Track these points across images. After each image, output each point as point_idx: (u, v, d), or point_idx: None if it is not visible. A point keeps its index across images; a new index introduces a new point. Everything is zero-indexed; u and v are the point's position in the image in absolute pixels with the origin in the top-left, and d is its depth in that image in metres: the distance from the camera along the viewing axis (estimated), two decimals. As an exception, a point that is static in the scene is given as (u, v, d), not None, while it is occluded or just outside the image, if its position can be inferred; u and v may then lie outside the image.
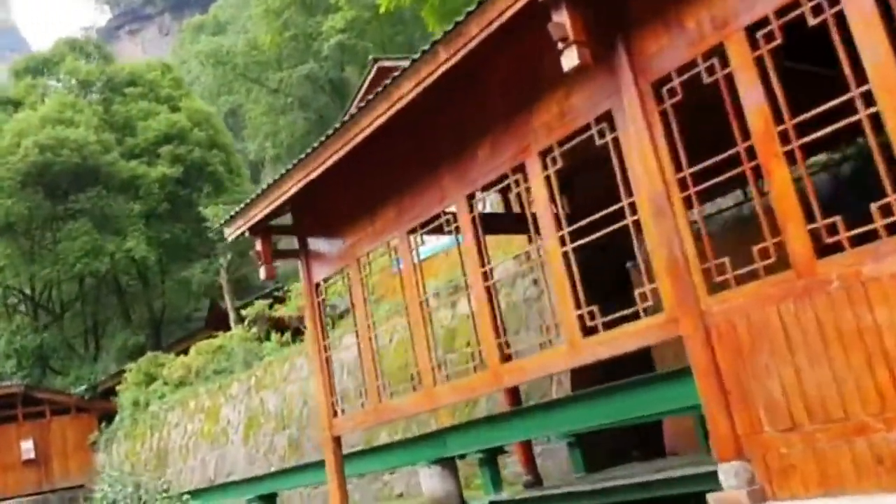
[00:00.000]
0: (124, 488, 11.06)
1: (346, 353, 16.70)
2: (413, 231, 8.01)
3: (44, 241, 27.26)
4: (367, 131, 7.36)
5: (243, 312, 21.50)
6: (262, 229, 9.77)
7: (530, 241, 7.27)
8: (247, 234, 9.79)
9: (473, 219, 7.20)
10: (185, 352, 25.35)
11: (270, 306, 21.32)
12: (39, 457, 26.78)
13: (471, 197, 7.30)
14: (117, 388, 26.23)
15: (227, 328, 31.52)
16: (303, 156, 8.30)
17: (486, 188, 7.26)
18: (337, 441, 9.41)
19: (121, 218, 26.88)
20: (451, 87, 6.83)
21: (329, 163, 7.97)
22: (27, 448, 26.53)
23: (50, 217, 26.67)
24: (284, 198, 8.83)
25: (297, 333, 20.43)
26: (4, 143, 25.37)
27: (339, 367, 16.93)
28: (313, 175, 8.28)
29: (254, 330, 21.99)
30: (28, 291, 30.01)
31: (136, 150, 28.31)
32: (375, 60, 21.95)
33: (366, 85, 22.45)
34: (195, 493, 11.62)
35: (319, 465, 10.07)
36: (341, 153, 7.79)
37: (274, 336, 20.48)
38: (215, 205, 27.48)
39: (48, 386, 27.69)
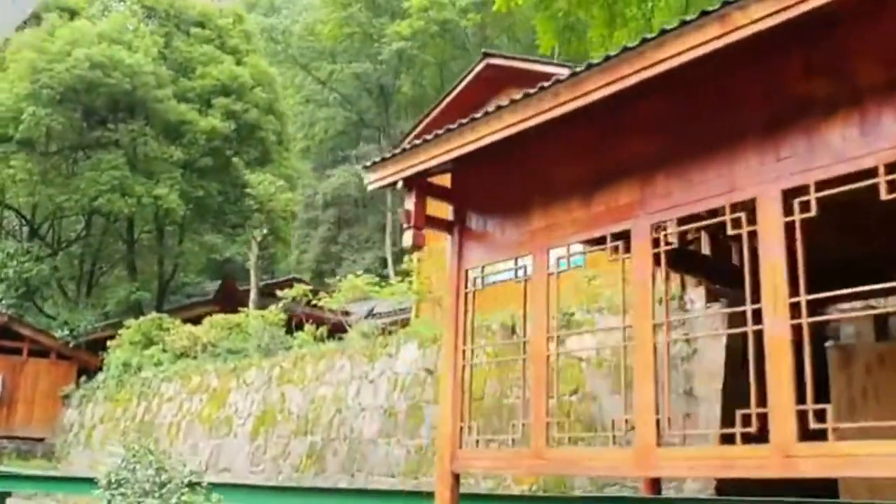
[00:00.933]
0: (143, 468, 8.64)
1: (400, 364, 14.43)
2: (685, 221, 5.81)
3: (65, 166, 24.88)
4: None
5: (279, 293, 19.03)
6: (420, 184, 7.61)
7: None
8: (399, 184, 7.64)
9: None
10: (191, 322, 22.99)
11: (314, 293, 19.00)
12: (4, 397, 24.18)
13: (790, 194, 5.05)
14: (109, 343, 23.69)
15: (236, 307, 29.20)
16: (493, 108, 6.34)
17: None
18: (456, 478, 7.18)
19: (156, 161, 24.58)
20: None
21: (535, 121, 6.00)
22: (-6, 385, 23.92)
23: (80, 141, 24.31)
24: (461, 151, 6.82)
25: (336, 331, 18.13)
26: (54, 47, 23.10)
27: (389, 383, 14.63)
28: (503, 133, 6.29)
29: (281, 316, 19.62)
30: (29, 216, 27.56)
31: (189, 94, 26.07)
32: (485, 55, 19.97)
33: (469, 78, 20.42)
34: (229, 490, 9.22)
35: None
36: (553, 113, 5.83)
37: (307, 327, 18.09)
38: (262, 173, 25.26)
39: (32, 323, 25.10)
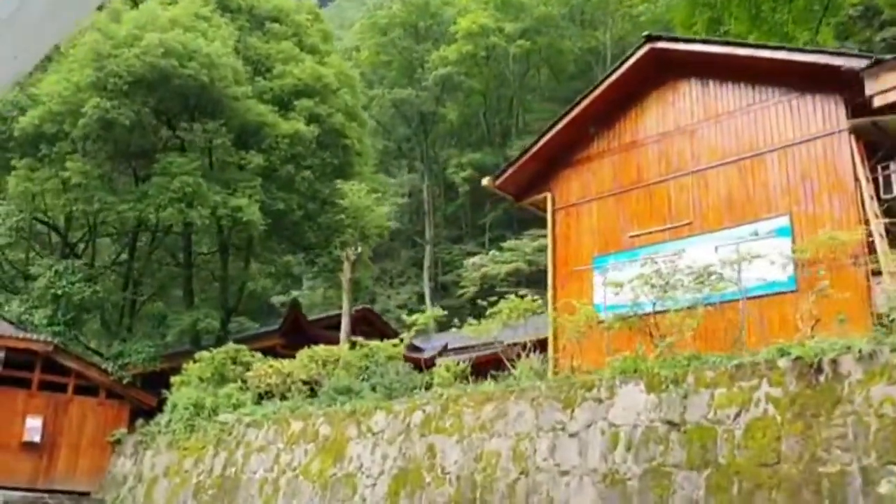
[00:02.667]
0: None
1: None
2: None
3: (131, 170, 21.51)
4: None
5: (406, 318, 15.48)
6: None
7: None
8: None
9: None
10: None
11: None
12: (45, 442, 20.53)
13: None
14: (171, 379, 20.11)
15: (305, 341, 25.76)
16: None
17: None
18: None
19: (232, 168, 21.26)
20: None
21: None
22: (33, 427, 20.37)
23: (148, 141, 20.96)
24: None
25: (483, 367, 14.62)
26: (121, 32, 19.90)
27: (604, 438, 11.03)
28: None
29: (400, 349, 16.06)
30: (84, 229, 24.14)
31: (268, 94, 22.82)
32: (648, 38, 16.74)
33: (629, 63, 17.16)
34: None
35: None
36: None
37: (447, 363, 14.51)
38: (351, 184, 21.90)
39: (80, 354, 21.53)
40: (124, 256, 26.64)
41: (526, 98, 58.88)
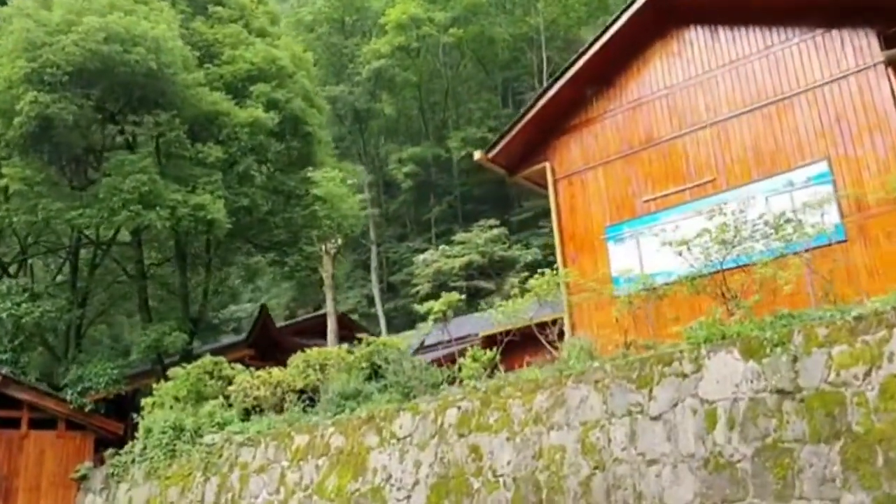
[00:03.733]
0: None
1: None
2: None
3: (76, 172, 19.14)
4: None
5: (423, 306, 13.72)
6: None
7: None
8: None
9: None
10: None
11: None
12: None
13: None
14: (143, 402, 17.89)
15: (276, 350, 23.85)
16: None
17: None
18: None
19: (188, 163, 19.14)
20: None
21: None
22: (-15, 471, 17.81)
23: (94, 138, 18.67)
24: None
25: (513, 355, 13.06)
26: (54, 16, 17.60)
27: (697, 417, 9.57)
28: None
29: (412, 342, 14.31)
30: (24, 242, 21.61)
31: (218, 82, 20.73)
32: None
33: (631, 12, 15.81)
34: None
35: None
36: None
37: (476, 352, 12.84)
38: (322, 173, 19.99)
39: (33, 383, 19.07)
40: (65, 271, 24.19)
41: (457, 90, 57.59)
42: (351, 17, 58.27)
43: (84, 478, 18.78)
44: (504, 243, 43.35)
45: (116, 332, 28.26)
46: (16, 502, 18.38)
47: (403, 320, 42.98)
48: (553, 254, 45.92)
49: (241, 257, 20.58)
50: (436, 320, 13.45)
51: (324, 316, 28.45)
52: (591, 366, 10.68)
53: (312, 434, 13.98)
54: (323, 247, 18.20)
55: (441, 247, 44.49)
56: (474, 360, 12.80)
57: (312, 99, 22.86)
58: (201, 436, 16.31)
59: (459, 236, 43.64)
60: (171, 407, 17.31)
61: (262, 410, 16.42)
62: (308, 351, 15.93)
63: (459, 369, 12.76)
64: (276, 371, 16.41)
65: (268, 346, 23.97)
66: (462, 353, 13.95)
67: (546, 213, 46.58)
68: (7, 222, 18.07)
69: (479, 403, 11.65)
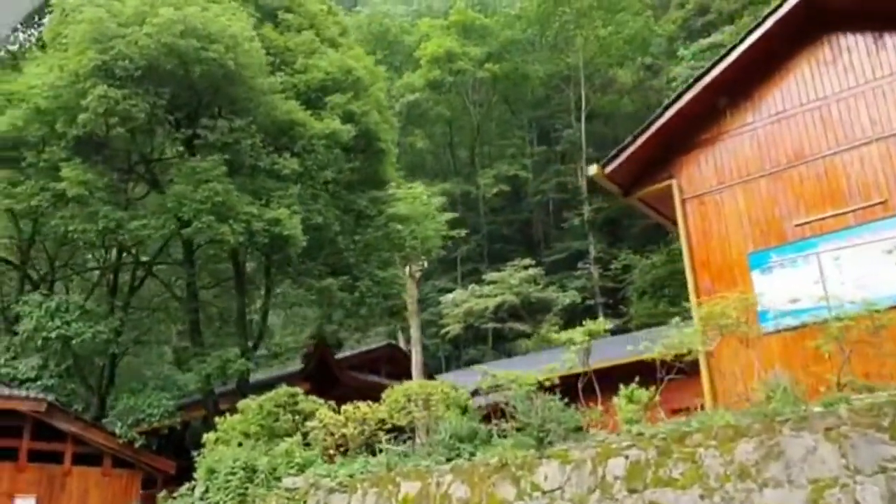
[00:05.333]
0: None
1: None
2: None
3: (138, 178, 17.28)
4: None
5: (561, 336, 11.72)
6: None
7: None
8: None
9: None
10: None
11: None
12: (39, 528, 15.88)
13: None
14: (204, 437, 15.80)
15: (333, 384, 21.89)
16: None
17: None
18: None
19: (262, 174, 17.29)
20: None
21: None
22: (25, 509, 15.68)
23: (163, 141, 16.86)
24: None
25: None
26: (127, 7, 15.88)
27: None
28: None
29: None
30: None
31: (292, 91, 18.98)
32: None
33: (778, 16, 14.10)
34: None
35: None
36: None
37: (633, 391, 10.82)
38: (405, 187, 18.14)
39: (77, 414, 16.98)
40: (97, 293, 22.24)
41: (485, 127, 56.18)
42: (383, 52, 57.17)
43: (133, 522, 16.69)
44: (538, 284, 41.47)
45: (145, 360, 26.28)
46: (56, 547, 16.24)
47: (431, 362, 40.83)
48: (591, 297, 43.91)
49: (311, 280, 18.58)
50: (577, 352, 11.43)
51: (377, 350, 26.51)
52: (810, 410, 8.68)
53: (424, 481, 11.89)
54: (406, 269, 16.24)
55: (470, 286, 42.59)
56: (630, 400, 10.77)
57: (385, 114, 21.12)
58: (278, 479, 14.17)
59: (492, 275, 41.77)
60: (240, 444, 15.21)
61: (346, 451, 14.34)
62: (407, 384, 13.89)
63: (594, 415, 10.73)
64: (363, 406, 14.35)
65: (325, 379, 21.93)
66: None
67: (582, 256, 44.91)
68: (62, 230, 16.15)
69: (654, 453, 9.61)
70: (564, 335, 11.68)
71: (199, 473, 15.65)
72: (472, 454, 11.85)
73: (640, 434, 9.99)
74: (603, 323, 11.72)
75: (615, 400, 10.96)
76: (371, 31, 55.26)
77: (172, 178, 16.39)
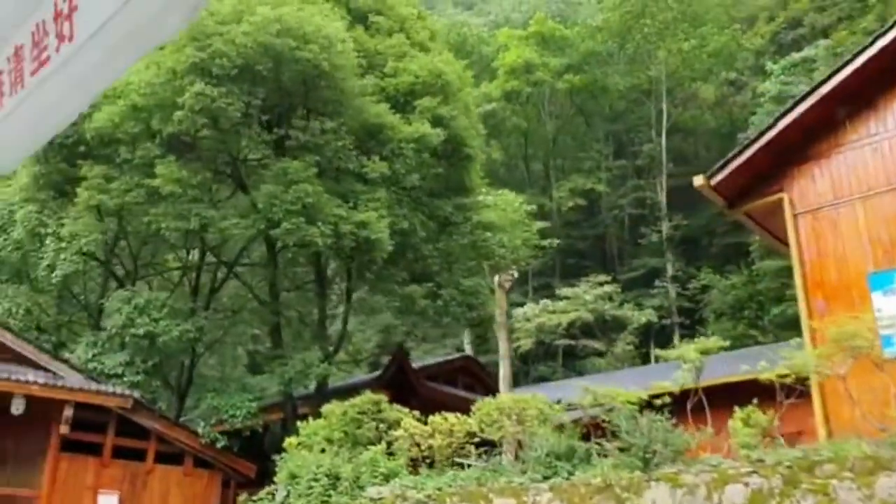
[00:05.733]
0: None
1: None
2: None
3: (229, 177, 17.20)
4: None
5: (670, 352, 11.10)
6: None
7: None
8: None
9: None
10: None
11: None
12: (121, 527, 15.81)
13: None
14: (287, 441, 15.55)
15: (409, 392, 21.52)
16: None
17: None
18: None
19: (350, 177, 17.03)
20: None
21: None
22: (107, 507, 15.61)
23: (254, 141, 16.75)
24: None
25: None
26: (224, 6, 15.84)
27: None
28: None
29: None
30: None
31: (382, 95, 18.72)
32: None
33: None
34: None
35: None
36: None
37: (751, 413, 10.10)
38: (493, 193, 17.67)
39: (161, 412, 16.92)
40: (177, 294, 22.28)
41: (559, 139, 55.36)
42: (461, 62, 56.71)
43: (212, 523, 16.51)
44: (613, 301, 40.50)
45: (220, 362, 26.34)
46: (138, 547, 16.15)
47: (495, 377, 40.19)
48: (667, 317, 42.67)
49: (394, 286, 18.24)
50: (690, 369, 10.77)
51: (454, 361, 26.10)
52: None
53: (519, 498, 11.34)
54: (495, 279, 15.75)
55: (542, 301, 41.83)
56: (746, 423, 10.05)
57: (472, 119, 20.73)
58: (362, 487, 13.81)
59: (566, 291, 40.93)
60: (323, 450, 14.91)
61: (432, 463, 13.90)
62: (499, 398, 13.39)
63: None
64: (451, 417, 13.90)
65: (403, 388, 21.56)
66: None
67: (658, 273, 43.74)
68: (154, 228, 16.13)
69: (779, 482, 8.89)
70: (674, 352, 11.02)
71: (280, 477, 15.42)
72: (571, 473, 11.28)
73: (761, 461, 9.29)
74: (717, 341, 11.02)
75: (729, 422, 10.27)
76: (449, 40, 55.13)
77: (261, 180, 16.26)
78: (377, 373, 21.89)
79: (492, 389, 25.75)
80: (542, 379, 37.23)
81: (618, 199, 49.70)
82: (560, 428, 12.39)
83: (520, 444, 12.69)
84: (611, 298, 40.80)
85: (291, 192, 15.59)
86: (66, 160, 17.90)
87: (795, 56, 37.74)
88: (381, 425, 14.93)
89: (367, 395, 15.50)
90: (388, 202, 17.65)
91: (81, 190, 16.27)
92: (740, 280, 37.65)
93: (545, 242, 24.71)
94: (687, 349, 10.99)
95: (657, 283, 42.82)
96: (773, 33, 45.31)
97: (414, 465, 14.15)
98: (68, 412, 15.15)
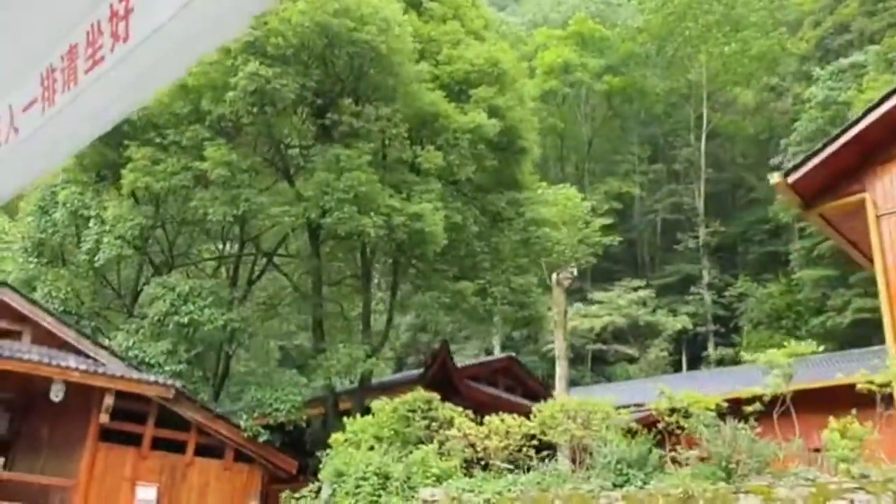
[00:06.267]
0: None
1: None
2: None
3: (280, 162, 16.64)
4: None
5: (755, 357, 10.38)
6: None
7: None
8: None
9: None
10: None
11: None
12: (160, 519, 15.27)
13: None
14: (333, 437, 14.94)
15: (451, 389, 20.87)
16: None
17: None
18: None
19: (404, 167, 16.41)
20: None
21: None
22: (146, 499, 15.14)
23: (306, 125, 16.19)
24: None
25: None
26: (281, -12, 15.31)
27: None
28: None
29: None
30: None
31: (436, 83, 18.10)
32: None
33: None
34: None
35: None
36: None
37: (849, 424, 9.34)
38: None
39: (203, 403, 16.36)
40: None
41: (594, 141, 54.50)
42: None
43: (253, 519, 15.94)
44: (647, 307, 39.62)
45: (253, 355, 25.86)
46: (178, 541, 15.61)
47: (536, 379, 39.45)
48: (702, 324, 41.69)
49: (445, 282, 17.60)
50: (781, 375, 10.04)
51: (496, 361, 25.40)
52: None
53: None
54: (553, 277, 15.06)
55: (574, 304, 41.05)
56: (843, 435, 9.30)
57: (527, 110, 20.06)
58: (413, 488, 13.19)
59: (599, 295, 40.12)
60: (372, 447, 14.30)
61: (486, 465, 13.26)
62: (559, 400, 12.71)
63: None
64: (509, 418, 13.24)
65: (445, 387, 20.92)
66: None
67: (692, 280, 42.77)
68: (202, 213, 15.58)
69: (890, 500, 8.15)
70: (763, 356, 10.29)
71: (325, 475, 14.85)
72: (645, 482, 10.58)
73: (866, 476, 8.55)
74: (810, 344, 10.29)
75: (824, 433, 9.53)
76: (487, 38, 54.40)
77: (309, 166, 15.66)
78: (418, 371, 21.24)
79: (532, 392, 25.05)
80: (571, 383, 36.40)
81: (653, 203, 48.75)
82: (630, 433, 11.69)
83: (578, 449, 11.99)
84: (645, 304, 39.98)
85: (343, 181, 15.01)
86: (109, 143, 17.45)
87: (843, 62, 36.76)
88: (433, 424, 14.31)
89: (419, 393, 14.87)
90: (441, 195, 17.04)
91: (126, 172, 15.76)
92: (778, 289, 36.82)
93: (607, 240, 23.88)
94: (776, 353, 10.26)
95: (692, 289, 41.93)
96: (818, 38, 44.22)
97: (467, 467, 13.53)
98: (109, 400, 14.65)
